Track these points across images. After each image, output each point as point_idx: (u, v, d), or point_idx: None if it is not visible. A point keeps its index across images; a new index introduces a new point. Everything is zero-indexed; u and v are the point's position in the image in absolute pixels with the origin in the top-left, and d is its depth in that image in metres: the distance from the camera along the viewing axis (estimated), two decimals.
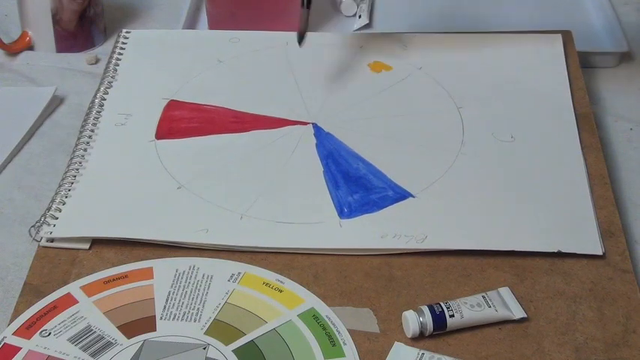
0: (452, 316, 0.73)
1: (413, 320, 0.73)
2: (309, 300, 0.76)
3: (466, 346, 0.73)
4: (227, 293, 0.77)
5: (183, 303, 0.76)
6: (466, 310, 0.74)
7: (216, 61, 1.01)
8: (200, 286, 0.77)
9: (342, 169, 0.88)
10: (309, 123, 0.94)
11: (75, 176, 0.87)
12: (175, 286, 0.77)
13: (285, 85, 0.98)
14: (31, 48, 1.10)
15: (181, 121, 0.94)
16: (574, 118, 0.93)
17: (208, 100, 0.96)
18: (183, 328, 0.74)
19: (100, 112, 0.95)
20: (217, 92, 0.97)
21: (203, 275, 0.78)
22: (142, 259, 0.80)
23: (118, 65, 1.00)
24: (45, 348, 0.72)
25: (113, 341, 0.73)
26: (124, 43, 1.04)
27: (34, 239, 0.82)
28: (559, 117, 0.93)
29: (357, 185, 0.86)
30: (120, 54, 1.02)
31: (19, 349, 0.72)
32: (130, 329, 0.74)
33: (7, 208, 0.88)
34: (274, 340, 0.73)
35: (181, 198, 0.85)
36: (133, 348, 0.72)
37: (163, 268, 0.79)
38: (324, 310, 0.75)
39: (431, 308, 0.73)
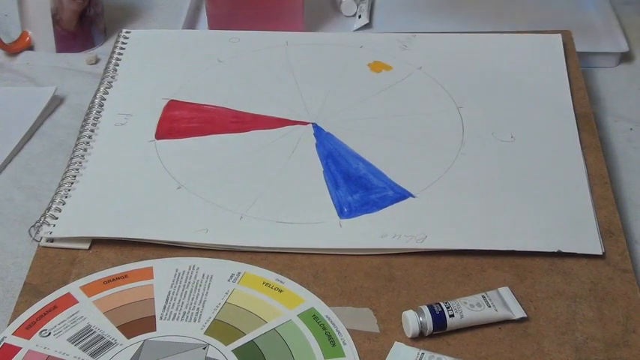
0: (452, 316, 0.73)
1: (413, 320, 0.73)
2: (309, 300, 0.76)
3: (466, 346, 0.73)
4: (227, 293, 0.77)
5: (183, 303, 0.76)
6: (466, 309, 0.74)
7: (216, 61, 1.01)
8: (200, 286, 0.77)
9: (342, 169, 0.88)
10: (309, 123, 0.94)
11: (75, 176, 0.87)
12: (175, 286, 0.77)
13: (285, 85, 0.98)
14: (31, 48, 1.10)
15: (181, 121, 0.94)
16: (574, 118, 0.93)
17: (208, 100, 0.96)
18: (183, 328, 0.74)
19: (100, 112, 0.95)
20: (217, 92, 0.97)
21: (203, 275, 0.78)
22: (141, 259, 0.80)
23: (118, 65, 1.00)
24: (45, 348, 0.72)
25: (113, 341, 0.73)
26: (124, 43, 1.04)
27: (33, 239, 0.82)
28: (559, 117, 0.93)
29: (357, 185, 0.86)
30: (120, 54, 1.02)
31: (19, 349, 0.72)
32: (129, 329, 0.74)
33: (7, 208, 0.88)
34: (274, 340, 0.73)
35: (181, 198, 0.85)
36: (133, 348, 0.72)
37: (163, 268, 0.79)
38: (324, 310, 0.75)
39: (431, 308, 0.73)
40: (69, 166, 0.88)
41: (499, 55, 1.02)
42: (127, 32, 1.05)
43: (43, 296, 0.77)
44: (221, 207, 0.84)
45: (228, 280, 0.78)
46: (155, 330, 0.74)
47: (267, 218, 0.83)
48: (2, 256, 0.83)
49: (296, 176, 0.88)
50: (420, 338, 0.73)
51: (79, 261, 0.80)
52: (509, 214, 0.83)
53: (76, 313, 0.75)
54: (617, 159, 0.94)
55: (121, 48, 1.03)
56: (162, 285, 0.77)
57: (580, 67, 1.00)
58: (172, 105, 0.96)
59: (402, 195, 0.85)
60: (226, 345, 0.72)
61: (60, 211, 0.84)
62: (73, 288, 0.77)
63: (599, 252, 0.80)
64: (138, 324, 0.74)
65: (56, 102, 1.02)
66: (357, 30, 1.12)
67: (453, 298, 0.75)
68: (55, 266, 0.80)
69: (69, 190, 0.86)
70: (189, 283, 0.78)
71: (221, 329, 0.74)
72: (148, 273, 0.79)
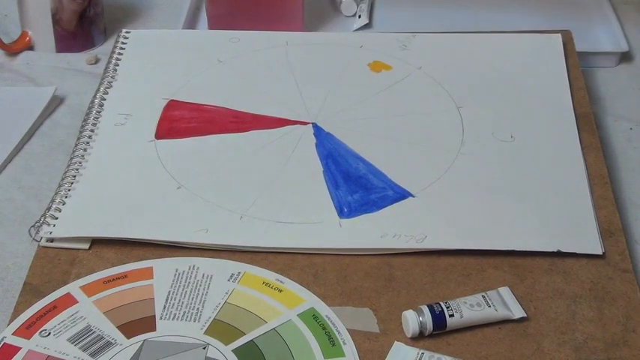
0: (452, 315, 0.73)
1: (413, 320, 0.73)
2: (309, 300, 0.76)
3: (466, 346, 0.73)
4: (227, 293, 0.77)
5: (183, 303, 0.76)
6: (466, 309, 0.74)
7: (216, 61, 1.01)
8: (200, 285, 0.77)
9: (342, 169, 0.88)
10: (309, 123, 0.94)
11: (75, 176, 0.87)
12: (175, 286, 0.77)
13: (285, 85, 0.98)
14: (31, 48, 1.10)
15: (181, 121, 0.94)
16: (574, 118, 0.93)
17: (208, 100, 0.96)
18: (183, 328, 0.74)
19: (99, 112, 0.95)
20: (217, 92, 0.97)
21: (203, 275, 0.78)
22: (141, 259, 0.80)
23: (117, 65, 1.00)
24: (45, 348, 0.72)
25: (113, 341, 0.73)
26: (123, 43, 1.04)
27: (33, 239, 0.82)
28: (559, 117, 0.93)
29: (356, 185, 0.86)
30: (120, 54, 1.02)
31: (19, 349, 0.72)
32: (129, 329, 0.74)
33: (7, 208, 0.88)
34: (274, 340, 0.73)
35: (181, 198, 0.85)
36: (133, 348, 0.72)
37: (163, 268, 0.79)
38: (323, 309, 0.75)
39: (431, 308, 0.73)
40: (69, 166, 0.88)
41: (499, 55, 1.02)
42: (126, 32, 1.05)
43: (43, 296, 0.77)
44: (221, 207, 0.84)
45: (228, 280, 0.78)
46: (155, 330, 0.74)
47: (267, 218, 0.83)
48: (2, 256, 0.83)
49: (296, 176, 0.88)
50: (419, 338, 0.73)
51: (79, 261, 0.80)
52: (509, 214, 0.83)
53: (76, 313, 0.75)
54: (617, 159, 0.94)
55: (121, 48, 1.03)
56: (162, 285, 0.77)
57: (580, 67, 1.00)
58: (172, 105, 0.96)
59: (401, 195, 0.85)
60: (226, 345, 0.72)
61: (60, 211, 0.84)
62: (73, 288, 0.77)
63: (599, 252, 0.80)
64: (138, 324, 0.74)
65: (56, 102, 1.02)
66: (357, 30, 1.12)
67: (452, 298, 0.75)
68: (55, 266, 0.80)
69: (69, 190, 0.86)
70: (189, 283, 0.78)
71: (221, 329, 0.74)
72: (147, 273, 0.79)
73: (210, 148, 0.91)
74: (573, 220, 0.82)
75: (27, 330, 0.74)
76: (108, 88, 0.97)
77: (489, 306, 0.74)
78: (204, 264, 0.79)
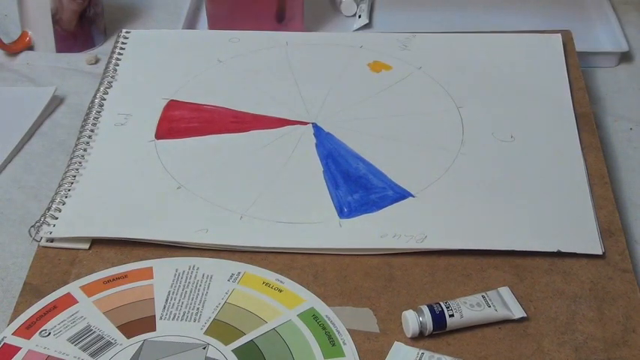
0: (452, 315, 0.73)
1: (413, 320, 0.73)
2: (309, 300, 0.76)
3: (466, 346, 0.73)
4: (227, 293, 0.77)
5: (183, 303, 0.76)
6: (466, 309, 0.74)
7: (216, 61, 1.01)
8: (200, 285, 0.77)
9: (342, 169, 0.88)
10: (308, 123, 0.94)
11: (75, 176, 0.87)
12: (175, 286, 0.77)
13: (285, 85, 0.98)
14: (31, 48, 1.10)
15: (181, 121, 0.94)
16: (574, 118, 0.93)
17: (208, 100, 0.96)
18: (183, 328, 0.74)
19: (99, 112, 0.95)
20: (217, 92, 0.97)
21: (203, 275, 0.78)
22: (141, 259, 0.80)
23: (117, 65, 1.00)
24: (45, 348, 0.72)
25: (113, 341, 0.73)
26: (123, 43, 1.04)
27: (33, 239, 0.82)
28: (559, 117, 0.93)
29: (356, 185, 0.86)
30: (120, 54, 1.02)
31: (19, 349, 0.72)
32: (129, 329, 0.74)
33: (7, 208, 0.88)
34: (274, 340, 0.73)
35: (181, 198, 0.85)
36: (133, 348, 0.72)
37: (163, 268, 0.79)
38: (323, 309, 0.75)
39: (431, 308, 0.73)
40: (69, 166, 0.88)
41: (499, 55, 1.01)
42: (126, 32, 1.05)
43: (43, 296, 0.77)
44: (221, 207, 0.84)
45: (228, 280, 0.78)
46: (155, 330, 0.74)
47: (267, 218, 0.83)
48: (2, 256, 0.83)
49: (296, 176, 0.88)
50: (419, 338, 0.73)
51: (78, 261, 0.80)
52: (509, 214, 0.83)
53: (76, 313, 0.75)
54: (617, 159, 0.94)
55: (121, 48, 1.03)
56: (162, 285, 0.77)
57: (580, 67, 1.00)
58: (172, 105, 0.96)
59: (401, 195, 0.85)
60: (226, 345, 0.72)
61: (60, 211, 0.84)
62: (73, 288, 0.77)
63: (599, 252, 0.80)
64: (138, 324, 0.74)
65: (56, 102, 1.02)
66: (357, 30, 1.12)
67: (452, 298, 0.75)
68: (55, 266, 0.80)
69: (69, 190, 0.86)
70: (189, 283, 0.78)
71: (221, 329, 0.74)
72: (147, 273, 0.79)
73: (210, 148, 0.91)
74: (573, 220, 0.82)
75: (27, 330, 0.74)
76: (108, 88, 0.97)
77: (489, 306, 0.74)
78: (204, 264, 0.79)
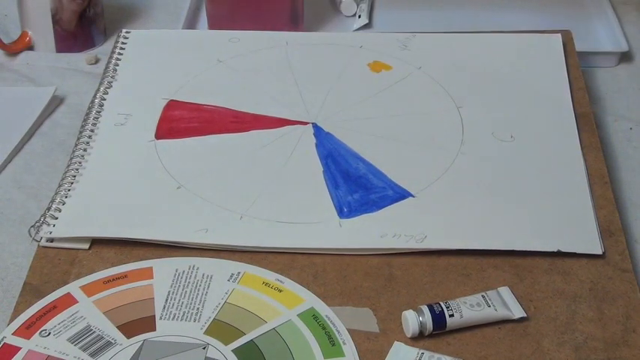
0: (451, 315, 0.73)
1: (412, 320, 0.73)
2: (309, 300, 0.76)
3: (466, 346, 0.73)
4: (227, 293, 0.77)
5: (182, 303, 0.76)
6: (466, 309, 0.74)
7: (216, 61, 1.01)
8: (200, 285, 0.77)
9: (342, 169, 0.88)
10: (308, 123, 0.94)
11: (75, 176, 0.87)
12: (175, 286, 0.77)
13: (285, 85, 0.98)
14: (31, 48, 1.10)
15: (181, 121, 0.94)
16: (574, 118, 0.93)
17: (208, 100, 0.96)
18: (183, 328, 0.74)
19: (99, 112, 0.95)
20: (217, 92, 0.97)
21: (203, 275, 0.78)
22: (141, 259, 0.80)
23: (117, 65, 1.00)
24: (45, 348, 0.72)
25: (113, 341, 0.73)
26: (123, 43, 1.04)
27: (33, 239, 0.82)
28: (559, 117, 0.93)
29: (356, 185, 0.86)
30: (120, 54, 1.02)
31: (19, 348, 0.72)
32: (129, 329, 0.74)
33: (7, 208, 0.88)
34: (274, 340, 0.73)
35: (181, 198, 0.85)
36: (133, 348, 0.72)
37: (163, 268, 0.79)
38: (323, 309, 0.75)
39: (430, 308, 0.73)
40: (69, 166, 0.88)
41: (499, 55, 1.01)
42: (126, 32, 1.05)
43: (43, 296, 0.77)
44: (221, 207, 0.84)
45: (228, 280, 0.78)
46: (155, 330, 0.74)
47: (267, 218, 0.83)
48: (2, 256, 0.83)
49: (296, 176, 0.88)
50: (419, 338, 0.73)
51: (78, 261, 0.80)
52: (509, 214, 0.83)
53: (76, 313, 0.75)
54: (617, 159, 0.94)
55: (121, 48, 1.03)
56: (162, 285, 0.77)
57: (580, 67, 1.00)
58: (172, 105, 0.96)
59: (401, 195, 0.85)
60: (226, 345, 0.72)
61: (60, 211, 0.84)
62: (73, 288, 0.77)
63: (599, 252, 0.80)
64: (138, 324, 0.74)
65: (56, 102, 1.02)
66: (356, 30, 1.12)
67: (452, 297, 0.75)
68: (54, 266, 0.80)
69: (69, 190, 0.86)
70: (189, 283, 0.78)
71: (221, 329, 0.74)
72: (147, 273, 0.79)
73: (210, 148, 0.91)
74: (573, 220, 0.82)
75: (27, 330, 0.74)
76: (108, 88, 0.97)
77: (489, 306, 0.74)
78: (204, 264, 0.79)
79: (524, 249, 0.80)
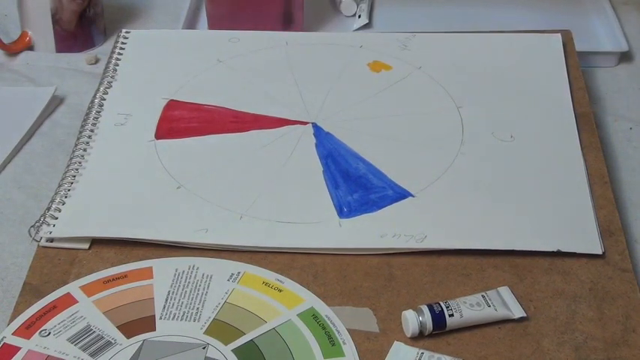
0: (451, 315, 0.73)
1: (412, 320, 0.73)
2: (309, 300, 0.76)
3: (466, 346, 0.73)
4: (227, 293, 0.77)
5: (182, 303, 0.76)
6: (466, 309, 0.74)
7: (216, 61, 1.01)
8: (200, 285, 0.77)
9: (342, 169, 0.88)
10: (308, 123, 0.94)
11: (75, 176, 0.87)
12: (175, 286, 0.77)
13: (285, 85, 0.98)
14: (31, 48, 1.10)
15: (181, 120, 0.94)
16: (574, 117, 0.93)
17: (208, 100, 0.96)
18: (183, 328, 0.74)
19: (99, 112, 0.95)
20: (217, 92, 0.97)
21: (203, 275, 0.78)
22: (141, 259, 0.80)
23: (117, 65, 1.00)
24: (44, 348, 0.72)
25: (113, 341, 0.73)
26: (123, 43, 1.04)
27: (33, 239, 0.82)
28: (559, 117, 0.93)
29: (356, 185, 0.86)
30: (120, 54, 1.02)
31: (19, 348, 0.72)
32: (129, 329, 0.74)
33: (7, 208, 0.88)
34: (274, 340, 0.73)
35: (181, 198, 0.85)
36: (133, 348, 0.72)
37: (163, 267, 0.79)
38: (323, 309, 0.75)
39: (430, 308, 0.73)
40: (69, 166, 0.88)
41: (499, 55, 1.02)
42: (126, 32, 1.05)
43: (43, 296, 0.77)
44: (221, 207, 0.84)
45: (228, 280, 0.78)
46: (155, 330, 0.74)
47: (267, 218, 0.83)
48: (2, 256, 0.83)
49: (296, 176, 0.88)
50: (419, 338, 0.73)
51: (78, 261, 0.80)
52: (509, 214, 0.83)
53: (76, 312, 0.75)
54: (617, 159, 0.94)
55: (121, 48, 1.03)
56: (161, 285, 0.77)
57: (580, 67, 1.00)
58: (172, 105, 0.96)
59: (401, 195, 0.85)
60: (226, 345, 0.72)
61: (60, 211, 0.84)
62: (73, 288, 0.77)
63: (599, 251, 0.80)
64: (137, 324, 0.74)
65: (56, 102, 1.02)
66: (356, 30, 1.12)
67: (452, 297, 0.75)
68: (54, 266, 0.80)
69: (69, 190, 0.86)
70: (188, 282, 0.78)
71: (221, 329, 0.74)
72: (147, 273, 0.79)
73: (210, 148, 0.91)
74: (573, 220, 0.82)
75: (27, 330, 0.74)
76: (108, 88, 0.97)
77: (489, 306, 0.74)
78: (204, 264, 0.79)
79: (524, 249, 0.80)
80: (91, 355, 0.72)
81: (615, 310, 0.75)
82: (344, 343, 0.73)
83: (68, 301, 0.76)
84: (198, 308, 0.75)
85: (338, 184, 0.86)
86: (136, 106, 0.95)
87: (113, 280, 0.78)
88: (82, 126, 0.93)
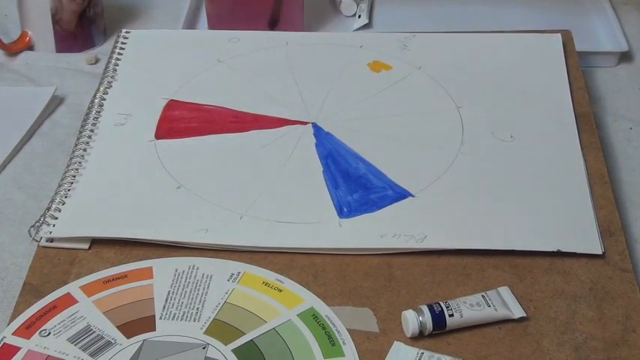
0: (451, 315, 0.73)
1: (412, 320, 0.73)
2: (309, 300, 0.76)
3: (466, 346, 0.73)
4: (227, 293, 0.77)
5: (182, 303, 0.76)
6: (466, 309, 0.74)
7: (216, 61, 1.01)
8: (200, 285, 0.77)
9: (342, 169, 0.88)
10: (308, 123, 0.94)
11: (75, 176, 0.87)
12: (175, 286, 0.77)
13: (285, 85, 0.98)
14: (31, 48, 1.10)
15: (181, 120, 0.94)
16: (574, 117, 0.93)
17: (208, 100, 0.96)
18: (183, 328, 0.74)
19: (99, 112, 0.95)
20: (217, 92, 0.97)
21: (203, 275, 0.78)
22: (141, 259, 0.80)
23: (117, 65, 1.00)
24: (44, 348, 0.72)
25: (113, 341, 0.73)
26: (123, 43, 1.04)
27: (33, 239, 0.82)
28: (559, 117, 0.93)
29: (356, 185, 0.86)
30: (120, 54, 1.02)
31: (19, 348, 0.72)
32: (129, 329, 0.74)
33: (7, 208, 0.88)
34: (274, 340, 0.73)
35: (181, 198, 0.85)
36: (133, 348, 0.72)
37: (163, 267, 0.79)
38: (323, 309, 0.75)
39: (430, 308, 0.73)
40: (69, 166, 0.88)
41: (499, 55, 1.02)
42: (126, 32, 1.05)
43: (43, 296, 0.77)
44: (221, 207, 0.84)
45: (228, 280, 0.78)
46: (155, 330, 0.74)
47: (267, 218, 0.83)
48: (2, 256, 0.83)
49: (296, 176, 0.88)
50: (419, 338, 0.73)
51: (78, 261, 0.80)
52: (509, 214, 0.83)
53: (76, 312, 0.75)
54: (617, 159, 0.94)
55: (121, 48, 1.03)
56: (161, 285, 0.77)
57: (580, 67, 1.00)
58: (172, 105, 0.96)
59: (401, 195, 0.85)
60: (226, 345, 0.72)
61: (60, 211, 0.84)
62: (73, 288, 0.77)
63: (599, 251, 0.80)
64: (137, 324, 0.74)
65: (56, 102, 1.02)
66: (356, 30, 1.12)
67: (452, 297, 0.75)
68: (54, 266, 0.80)
69: (69, 190, 0.86)
70: (188, 282, 0.78)
71: (221, 329, 0.74)
72: (147, 273, 0.79)
73: (210, 148, 0.91)
74: (573, 220, 0.82)
75: (27, 330, 0.74)
76: (108, 88, 0.97)
77: (489, 306, 0.74)
78: (204, 264, 0.79)
79: (524, 249, 0.80)
80: (91, 355, 0.72)
81: (615, 310, 0.75)
82: (344, 343, 0.73)
83: (68, 301, 0.76)
84: (198, 308, 0.75)
85: (338, 184, 0.86)
86: (136, 106, 0.95)
87: (113, 280, 0.78)
88: (82, 126, 0.93)
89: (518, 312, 0.75)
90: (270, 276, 0.78)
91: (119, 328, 0.74)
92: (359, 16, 1.13)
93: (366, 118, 0.94)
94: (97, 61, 1.08)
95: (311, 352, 0.72)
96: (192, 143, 0.91)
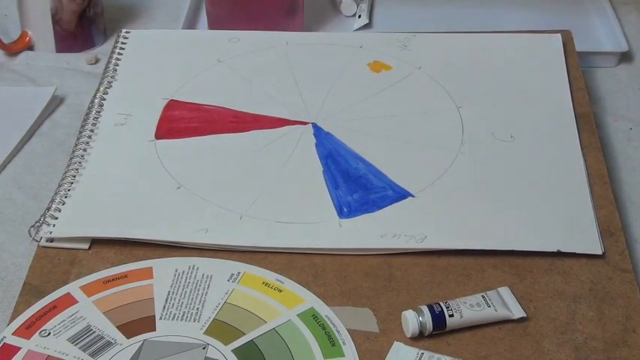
0: (451, 315, 0.73)
1: (412, 320, 0.73)
2: (309, 300, 0.76)
3: (466, 346, 0.73)
4: (227, 293, 0.77)
5: (182, 303, 0.76)
6: (466, 309, 0.74)
7: (216, 61, 1.01)
8: (200, 285, 0.77)
9: (342, 169, 0.88)
10: (308, 123, 0.94)
11: (75, 176, 0.87)
12: (175, 286, 0.77)
13: (285, 85, 0.98)
14: (31, 48, 1.10)
15: (181, 120, 0.94)
16: (574, 118, 0.93)
17: (208, 100, 0.96)
18: (183, 328, 0.74)
19: (99, 112, 0.95)
20: (217, 92, 0.97)
21: (203, 275, 0.78)
22: (141, 259, 0.80)
23: (117, 65, 1.00)
24: (44, 348, 0.72)
25: (113, 341, 0.73)
26: (123, 43, 1.04)
27: (33, 239, 0.82)
28: (559, 117, 0.93)
29: (356, 185, 0.86)
30: (120, 54, 1.02)
31: (19, 348, 0.72)
32: (129, 329, 0.74)
33: (7, 208, 0.88)
34: (274, 340, 0.73)
35: (181, 198, 0.85)
36: (133, 348, 0.72)
37: (163, 268, 0.79)
38: (323, 309, 0.75)
39: (430, 308, 0.73)
40: (69, 166, 0.88)
41: (499, 55, 1.02)
42: (126, 32, 1.05)
43: (43, 296, 0.77)
44: (221, 207, 0.84)
45: (228, 280, 0.78)
46: (155, 330, 0.74)
47: (267, 218, 0.83)
48: (2, 256, 0.83)
49: (296, 176, 0.88)
50: (419, 338, 0.73)
51: (78, 261, 0.80)
52: (509, 214, 0.83)
53: (76, 313, 0.75)
54: (617, 159, 0.94)
55: (121, 48, 1.03)
56: (161, 285, 0.77)
57: (580, 67, 1.00)
58: (172, 105, 0.96)
59: (401, 195, 0.85)
60: (226, 345, 0.72)
61: (60, 211, 0.84)
62: (73, 288, 0.77)
63: (599, 252, 0.80)
64: (137, 324, 0.74)
65: (56, 102, 1.02)
66: (357, 30, 1.12)
67: (452, 297, 0.75)
68: (54, 266, 0.80)
69: (69, 190, 0.86)
70: (188, 283, 0.78)
71: (221, 329, 0.74)
72: (147, 273, 0.79)
73: (210, 148, 0.91)
74: (573, 220, 0.82)
75: (27, 330, 0.74)
76: (108, 88, 0.97)
77: (489, 306, 0.74)
78: (204, 264, 0.79)
79: (524, 249, 0.80)
80: (91, 355, 0.72)
81: (615, 311, 0.75)
82: (344, 344, 0.73)
83: (68, 301, 0.76)
84: (198, 308, 0.75)
85: (338, 184, 0.86)
86: (136, 106, 0.95)
87: (113, 280, 0.78)
88: (82, 126, 0.93)
89: (518, 312, 0.75)
90: (270, 276, 0.78)
91: (119, 328, 0.74)
92: (359, 16, 1.13)
93: (366, 118, 0.94)
94: (97, 61, 1.08)
95: (311, 353, 0.72)
96: (192, 143, 0.91)
